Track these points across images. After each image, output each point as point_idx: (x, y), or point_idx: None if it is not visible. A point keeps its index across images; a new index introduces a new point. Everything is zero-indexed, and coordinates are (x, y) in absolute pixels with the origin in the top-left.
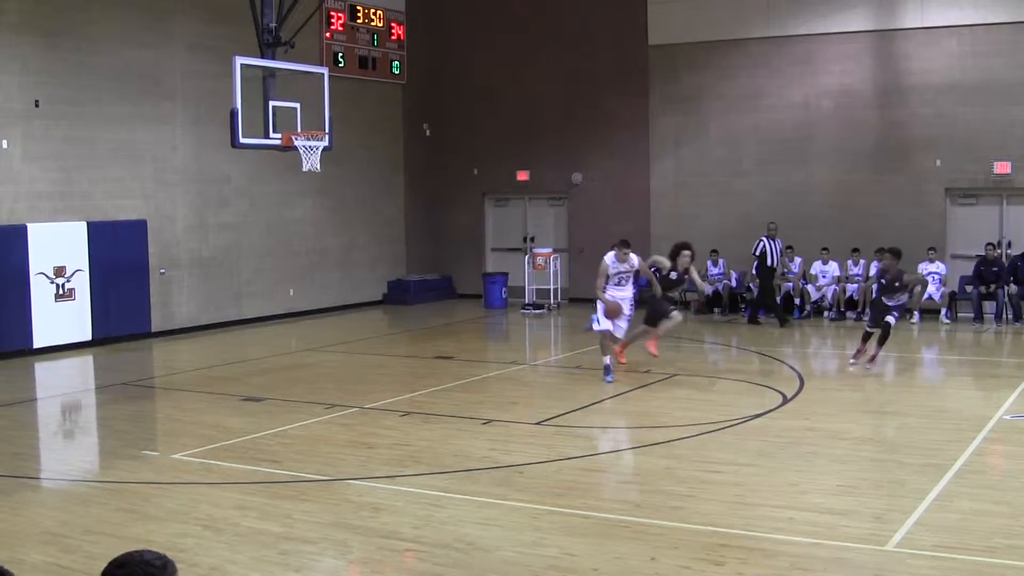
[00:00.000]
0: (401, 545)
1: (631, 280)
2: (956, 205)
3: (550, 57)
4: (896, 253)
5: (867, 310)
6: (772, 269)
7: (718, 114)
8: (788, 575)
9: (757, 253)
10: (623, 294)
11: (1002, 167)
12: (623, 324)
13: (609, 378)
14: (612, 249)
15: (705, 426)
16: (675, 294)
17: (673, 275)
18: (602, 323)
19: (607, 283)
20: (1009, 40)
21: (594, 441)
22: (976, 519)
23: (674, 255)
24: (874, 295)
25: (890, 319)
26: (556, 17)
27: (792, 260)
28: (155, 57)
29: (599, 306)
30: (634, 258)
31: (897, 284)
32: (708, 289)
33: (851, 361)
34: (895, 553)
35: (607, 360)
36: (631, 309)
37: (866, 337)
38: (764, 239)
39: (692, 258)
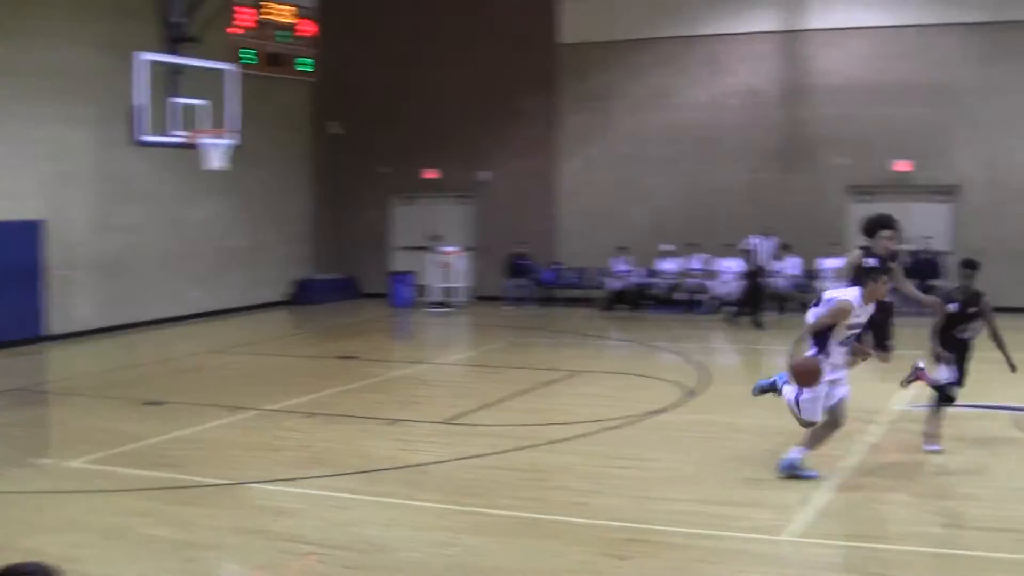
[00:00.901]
0: (304, 548)
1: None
2: (856, 202)
3: (459, 55)
4: (972, 265)
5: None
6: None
7: (627, 113)
8: (693, 567)
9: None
10: (842, 359)
11: (900, 165)
12: (815, 396)
13: (813, 473)
14: (854, 285)
15: (609, 422)
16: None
17: (871, 261)
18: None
19: (828, 339)
20: (911, 42)
21: (499, 439)
22: (875, 508)
23: (870, 233)
24: (934, 330)
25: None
26: (465, 15)
27: (783, 260)
28: (58, 53)
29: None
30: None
31: (974, 311)
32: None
33: (934, 448)
34: (798, 543)
35: (804, 449)
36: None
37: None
38: (754, 238)
39: (896, 239)
